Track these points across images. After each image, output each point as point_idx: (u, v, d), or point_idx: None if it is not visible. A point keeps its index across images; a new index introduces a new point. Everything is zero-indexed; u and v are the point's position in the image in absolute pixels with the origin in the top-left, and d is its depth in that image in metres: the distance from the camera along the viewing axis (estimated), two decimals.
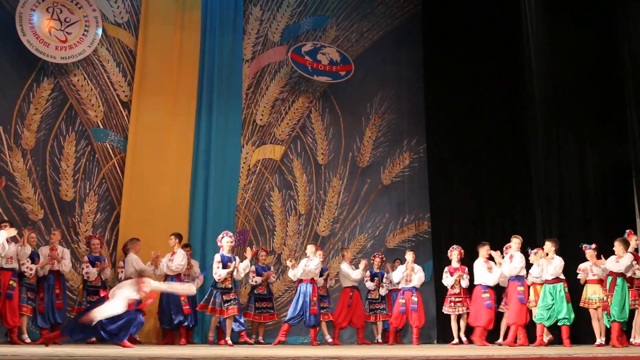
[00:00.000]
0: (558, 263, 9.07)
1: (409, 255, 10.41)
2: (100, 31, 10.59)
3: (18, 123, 10.14)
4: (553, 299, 9.03)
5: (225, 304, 8.97)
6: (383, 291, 10.66)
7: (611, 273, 8.69)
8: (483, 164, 11.65)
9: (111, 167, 10.59)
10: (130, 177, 10.42)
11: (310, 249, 9.85)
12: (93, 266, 9.38)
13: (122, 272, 9.54)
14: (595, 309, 9.01)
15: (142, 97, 10.69)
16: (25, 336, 8.78)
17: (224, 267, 9.02)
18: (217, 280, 9.04)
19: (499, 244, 11.05)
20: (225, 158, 10.95)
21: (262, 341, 9.97)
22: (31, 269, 8.78)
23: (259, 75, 11.66)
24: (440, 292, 10.85)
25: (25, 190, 10.03)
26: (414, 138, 12.20)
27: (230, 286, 9.07)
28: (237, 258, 9.31)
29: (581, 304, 9.18)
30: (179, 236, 9.76)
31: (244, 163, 11.31)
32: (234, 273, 9.18)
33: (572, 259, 9.46)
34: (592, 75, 10.50)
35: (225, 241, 9.22)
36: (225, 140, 11.01)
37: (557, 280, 9.07)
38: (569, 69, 10.64)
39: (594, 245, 9.11)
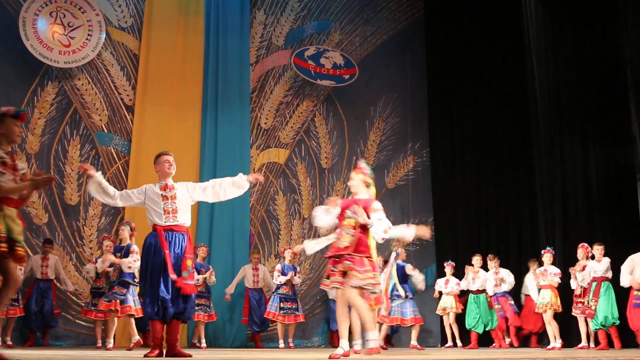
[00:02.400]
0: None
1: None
2: (103, 35, 10.62)
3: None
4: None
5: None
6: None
7: (595, 278, 8.67)
8: (487, 167, 11.65)
9: (115, 171, 10.59)
10: (134, 181, 10.36)
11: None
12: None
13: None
14: (543, 312, 9.01)
15: (146, 101, 10.71)
16: (110, 341, 7.98)
17: None
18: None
19: (503, 247, 11.08)
20: (233, 160, 10.90)
21: (291, 345, 9.78)
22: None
23: (263, 79, 11.66)
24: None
25: None
26: (417, 142, 12.17)
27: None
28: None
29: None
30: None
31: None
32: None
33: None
34: (594, 77, 10.51)
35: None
36: (233, 143, 11.00)
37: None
38: (571, 71, 10.65)
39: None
